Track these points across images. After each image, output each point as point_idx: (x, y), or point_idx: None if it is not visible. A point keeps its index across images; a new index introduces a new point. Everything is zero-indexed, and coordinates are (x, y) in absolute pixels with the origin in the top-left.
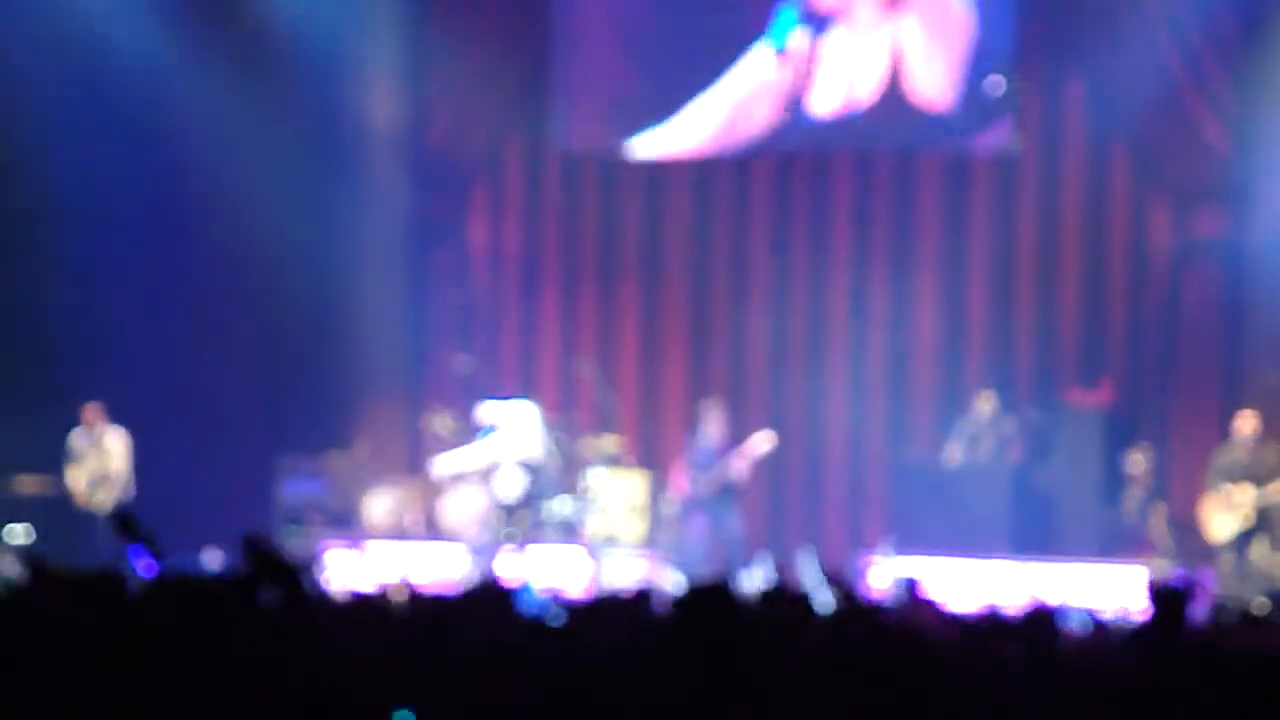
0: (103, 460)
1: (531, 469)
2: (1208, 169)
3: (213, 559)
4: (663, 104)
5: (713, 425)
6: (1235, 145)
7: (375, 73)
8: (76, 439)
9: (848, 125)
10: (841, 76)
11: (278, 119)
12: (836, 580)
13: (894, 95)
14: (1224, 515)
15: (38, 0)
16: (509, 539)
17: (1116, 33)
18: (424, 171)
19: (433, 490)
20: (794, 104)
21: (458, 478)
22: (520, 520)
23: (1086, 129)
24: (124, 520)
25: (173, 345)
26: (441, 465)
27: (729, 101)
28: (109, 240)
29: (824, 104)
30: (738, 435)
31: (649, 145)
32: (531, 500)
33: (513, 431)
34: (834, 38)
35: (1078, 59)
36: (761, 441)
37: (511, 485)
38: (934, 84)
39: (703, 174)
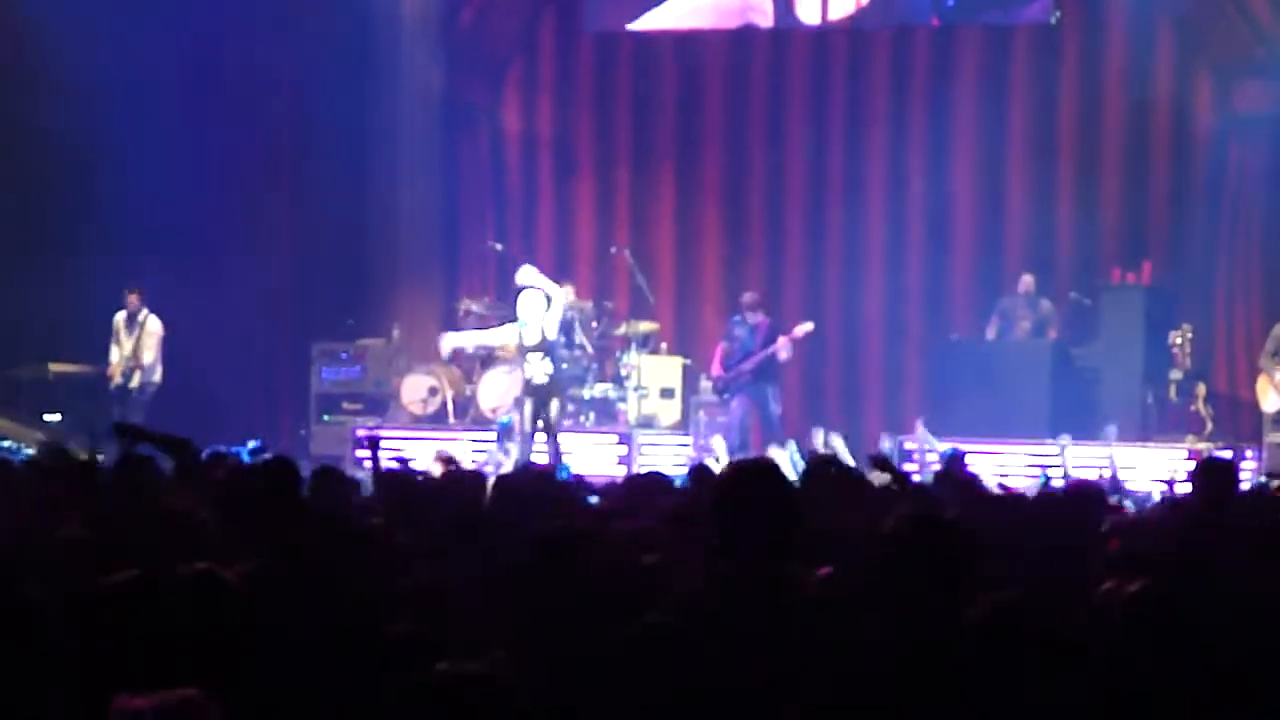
0: (139, 344)
1: (555, 353)
2: (1252, 43)
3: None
4: None
5: (752, 311)
6: (1279, 19)
7: None
8: (118, 319)
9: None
10: None
11: (309, 5)
12: (881, 461)
13: None
14: (1274, 393)
15: None
16: (542, 421)
17: None
18: (456, 55)
19: (467, 376)
20: None
21: (467, 355)
22: (551, 403)
23: (1128, 2)
24: (127, 431)
25: (208, 233)
26: (448, 342)
27: None
28: (144, 130)
29: None
30: (777, 318)
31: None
32: (562, 383)
33: (528, 319)
34: None
35: None
36: (802, 328)
37: (539, 369)
38: None
39: (739, 52)
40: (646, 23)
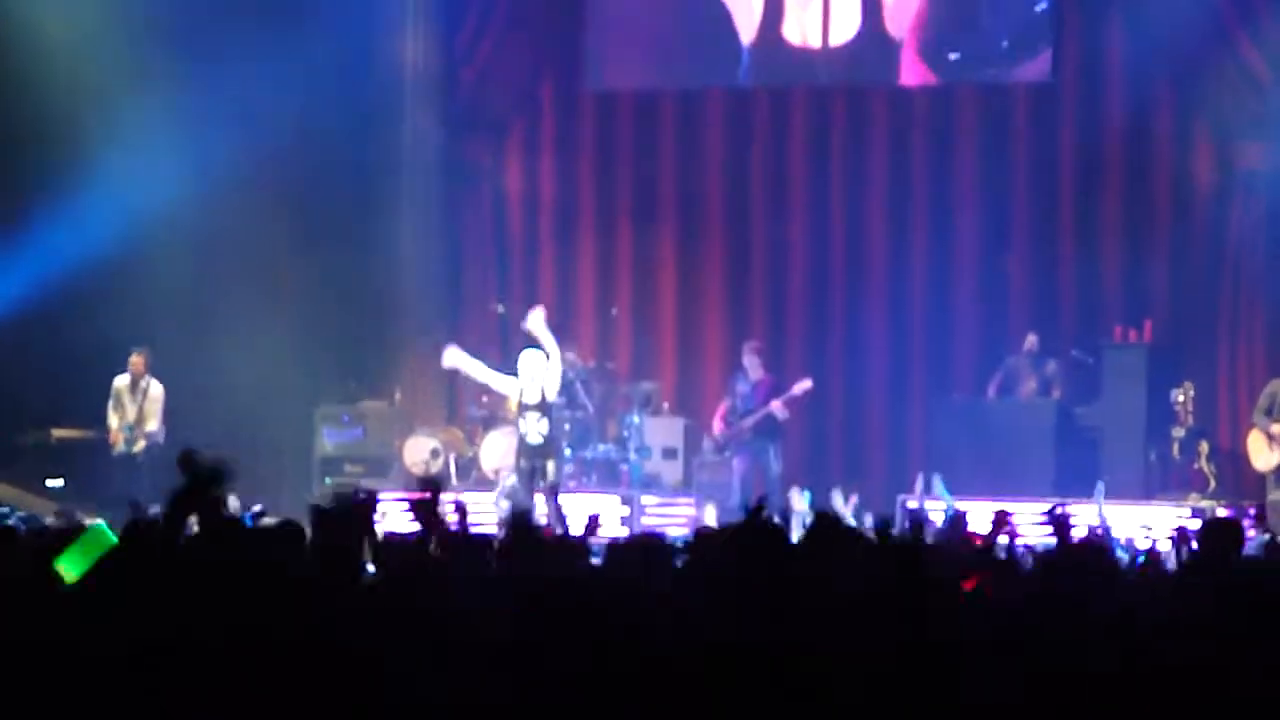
0: (143, 411)
1: (551, 414)
2: (1251, 102)
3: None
4: (689, 39)
5: (753, 368)
6: (1278, 76)
7: (407, 16)
8: (119, 384)
9: (880, 57)
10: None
11: (312, 63)
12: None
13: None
14: (1267, 451)
15: None
16: (541, 481)
17: None
18: (457, 115)
19: (470, 436)
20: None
21: (468, 397)
22: (549, 464)
23: (1128, 62)
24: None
25: (209, 293)
26: (451, 355)
27: None
28: (146, 189)
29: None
30: (778, 376)
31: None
32: (558, 444)
33: (531, 377)
34: None
35: None
36: (800, 386)
37: (534, 428)
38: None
39: (739, 110)
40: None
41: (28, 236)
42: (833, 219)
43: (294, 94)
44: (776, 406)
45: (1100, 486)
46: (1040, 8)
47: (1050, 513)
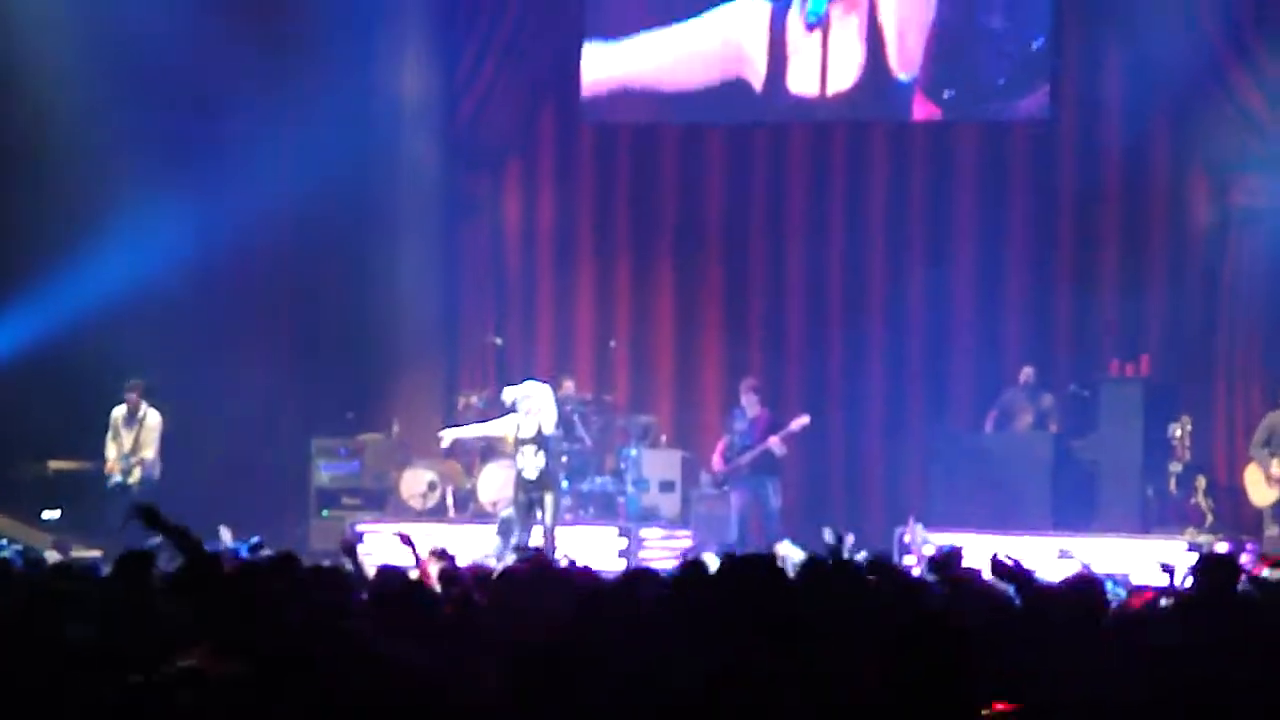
0: (139, 439)
1: (548, 447)
2: (1248, 138)
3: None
4: (690, 76)
5: (751, 404)
6: (1276, 114)
7: (407, 48)
8: (117, 415)
9: (876, 95)
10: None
11: (311, 96)
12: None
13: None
14: (1265, 485)
15: None
16: (539, 514)
17: (1155, 1)
18: (456, 148)
19: (467, 469)
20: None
21: (466, 448)
22: (546, 497)
23: (1125, 98)
24: (147, 513)
25: (207, 327)
26: (448, 437)
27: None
28: (144, 223)
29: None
30: (776, 411)
31: (603, 63)
32: (555, 478)
33: (528, 410)
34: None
35: (1117, 26)
36: (798, 422)
37: (530, 462)
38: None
39: (739, 144)
40: (636, 65)
41: (31, 280)
42: (831, 253)
43: (292, 125)
44: (774, 442)
45: (912, 523)
46: (1037, 44)
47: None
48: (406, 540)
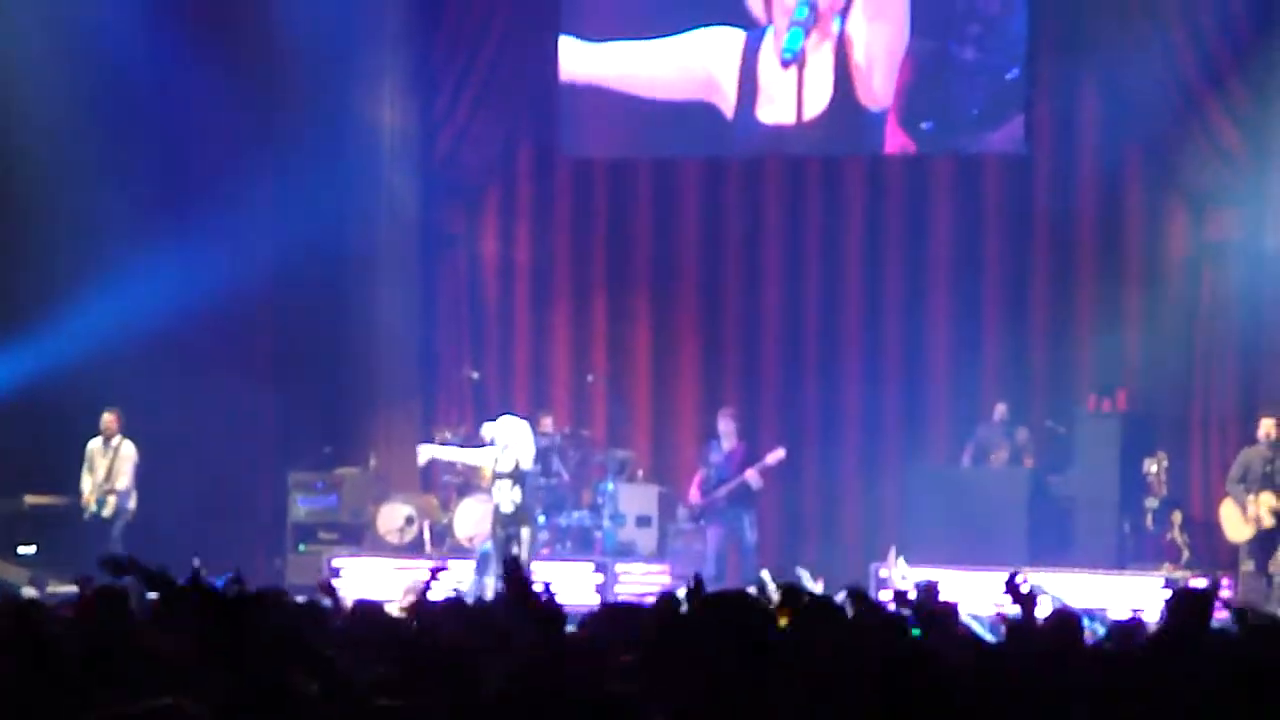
0: (114, 469)
1: (525, 482)
2: (1223, 171)
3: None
4: (665, 109)
5: (727, 436)
6: (1250, 148)
7: (384, 82)
8: (92, 446)
9: (849, 128)
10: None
11: (289, 129)
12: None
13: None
14: (1241, 522)
15: (47, 12)
16: (516, 549)
17: (1130, 33)
18: (433, 182)
19: (444, 503)
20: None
21: (443, 482)
22: (524, 531)
23: (1100, 131)
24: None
25: (185, 360)
26: (425, 453)
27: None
28: (122, 253)
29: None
30: (752, 445)
31: (578, 58)
32: (531, 512)
33: (505, 445)
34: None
35: (1091, 59)
36: (773, 455)
37: (507, 497)
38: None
39: (714, 178)
40: (610, 69)
41: (7, 316)
42: (807, 287)
43: (271, 160)
44: (751, 475)
45: (893, 554)
46: (1011, 76)
47: (1010, 583)
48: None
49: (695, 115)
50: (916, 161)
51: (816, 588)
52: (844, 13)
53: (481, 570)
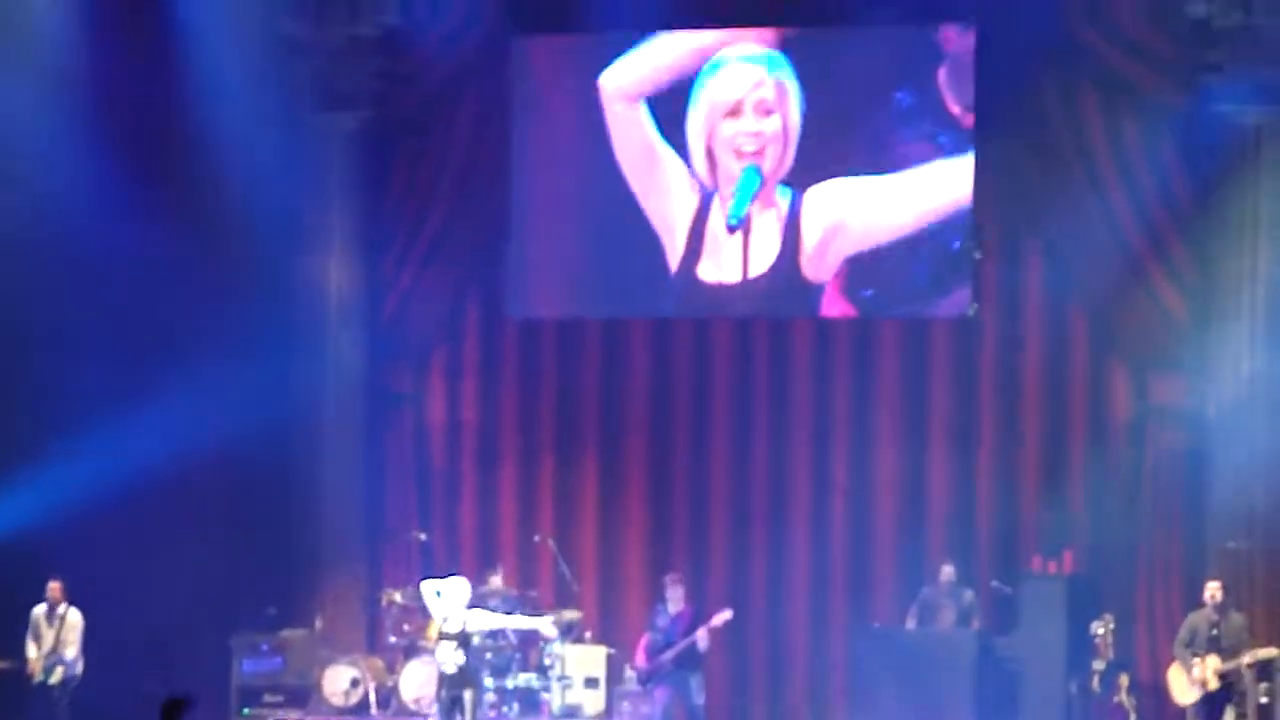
0: (60, 638)
1: (469, 644)
2: (1166, 336)
3: None
4: (611, 269)
5: (674, 600)
6: (1193, 312)
7: (332, 241)
8: (38, 614)
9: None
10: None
11: (235, 289)
12: None
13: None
14: (1187, 685)
15: None
16: (456, 712)
17: (1074, 198)
18: (380, 342)
19: (390, 665)
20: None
21: (388, 627)
22: (466, 694)
23: (1045, 295)
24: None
25: (129, 521)
26: (427, 590)
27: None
28: (66, 419)
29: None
30: (700, 606)
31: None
32: (477, 674)
33: (449, 607)
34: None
35: (1035, 226)
36: (720, 617)
37: (451, 658)
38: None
39: (661, 338)
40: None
41: None
42: (754, 449)
43: (217, 319)
44: (701, 634)
45: None
46: (955, 246)
47: None
48: None
49: (646, 271)
50: (863, 324)
51: None
52: (792, 184)
53: None
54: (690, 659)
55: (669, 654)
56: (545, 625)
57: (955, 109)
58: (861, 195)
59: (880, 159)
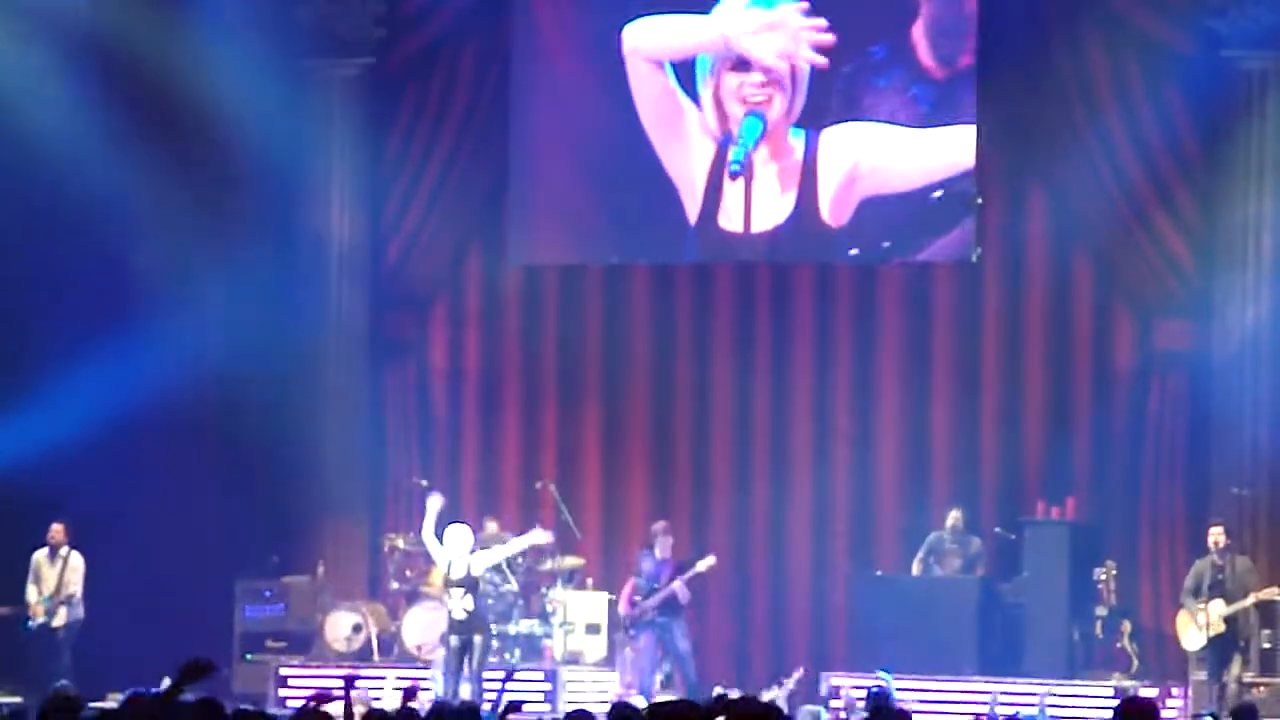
0: (63, 579)
1: (476, 589)
2: (1170, 282)
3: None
4: (618, 216)
5: (662, 546)
6: (1197, 258)
7: (333, 190)
8: (38, 557)
9: (800, 238)
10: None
11: (238, 238)
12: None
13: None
14: (1196, 632)
15: None
16: (465, 657)
17: (1078, 144)
18: (382, 291)
19: (392, 611)
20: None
21: (392, 573)
22: (476, 639)
23: (1049, 241)
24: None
25: (131, 468)
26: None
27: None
28: (68, 361)
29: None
30: (700, 553)
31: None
32: (484, 620)
33: (452, 553)
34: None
35: (1040, 170)
36: (704, 562)
37: (459, 604)
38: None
39: (663, 286)
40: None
41: None
42: (756, 395)
43: (220, 267)
44: (679, 588)
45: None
46: (961, 186)
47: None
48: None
49: (661, 219)
50: (867, 270)
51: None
52: (805, 125)
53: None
54: (672, 606)
55: (651, 601)
56: (538, 535)
57: (929, 62)
58: (872, 140)
59: (878, 107)
